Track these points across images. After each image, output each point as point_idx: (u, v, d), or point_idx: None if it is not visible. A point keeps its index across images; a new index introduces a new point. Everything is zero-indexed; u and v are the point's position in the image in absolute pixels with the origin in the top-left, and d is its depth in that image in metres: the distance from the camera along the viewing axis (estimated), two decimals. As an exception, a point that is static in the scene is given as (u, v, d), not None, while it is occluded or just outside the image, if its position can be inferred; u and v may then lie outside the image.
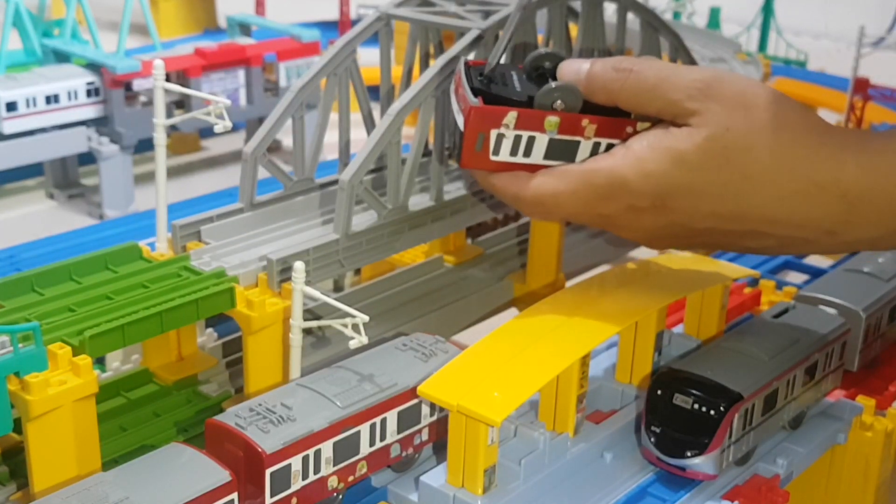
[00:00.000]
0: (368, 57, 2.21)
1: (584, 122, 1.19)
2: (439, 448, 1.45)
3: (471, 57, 1.92)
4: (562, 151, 1.20)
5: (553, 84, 1.18)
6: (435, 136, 1.86)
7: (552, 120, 1.18)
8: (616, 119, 1.20)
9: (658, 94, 1.17)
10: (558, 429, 1.42)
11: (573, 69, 1.21)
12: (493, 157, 1.19)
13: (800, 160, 1.16)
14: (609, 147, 1.21)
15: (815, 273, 2.28)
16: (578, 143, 1.20)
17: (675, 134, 1.17)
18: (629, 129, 1.21)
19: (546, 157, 1.20)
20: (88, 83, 3.07)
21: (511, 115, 1.17)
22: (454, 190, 1.95)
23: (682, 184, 1.17)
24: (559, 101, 1.18)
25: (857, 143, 1.17)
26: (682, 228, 1.23)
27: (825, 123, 1.20)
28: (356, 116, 1.97)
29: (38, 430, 1.35)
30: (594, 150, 1.21)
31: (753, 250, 1.29)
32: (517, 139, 1.18)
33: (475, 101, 1.16)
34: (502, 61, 1.25)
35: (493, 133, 1.17)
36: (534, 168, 1.21)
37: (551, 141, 1.19)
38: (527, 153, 1.20)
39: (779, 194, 1.17)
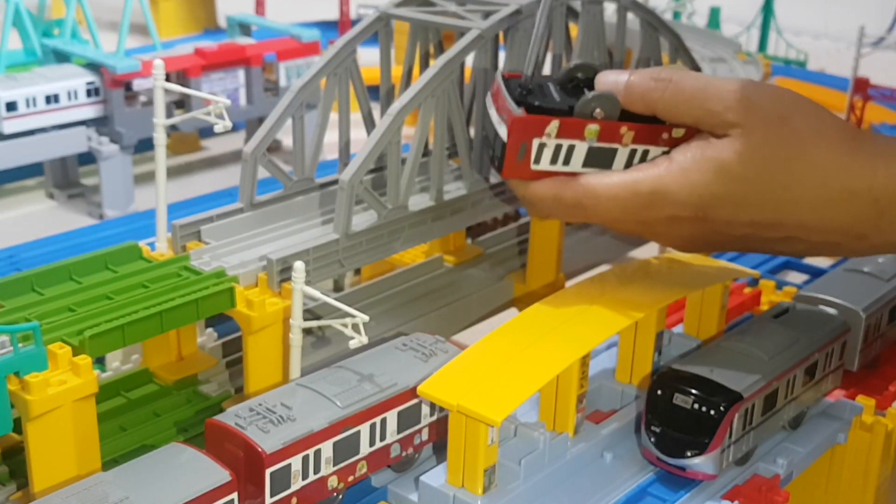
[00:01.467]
0: (368, 57, 2.21)
1: (623, 129, 1.22)
2: (439, 448, 1.45)
3: (470, 58, 1.93)
4: (600, 158, 1.24)
5: (592, 93, 1.21)
6: (435, 136, 1.86)
7: (592, 128, 1.21)
8: (653, 126, 1.23)
9: (696, 104, 1.20)
10: (558, 429, 1.42)
11: (611, 80, 1.23)
12: (533, 167, 1.23)
13: (835, 169, 1.19)
14: (645, 154, 1.24)
15: (815, 273, 2.28)
16: (616, 150, 1.23)
17: (717, 145, 1.20)
18: (665, 136, 1.24)
19: (585, 164, 1.24)
20: (88, 83, 3.06)
21: (553, 125, 1.20)
22: (454, 190, 1.95)
23: (724, 194, 1.20)
24: (598, 110, 1.21)
25: (889, 150, 1.22)
26: (719, 235, 1.27)
27: (857, 131, 1.24)
28: (356, 116, 1.97)
29: (38, 430, 1.35)
30: (631, 157, 1.24)
31: (784, 253, 1.33)
32: (558, 148, 1.22)
33: (519, 112, 1.19)
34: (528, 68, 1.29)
35: (536, 142, 1.21)
36: (572, 176, 1.25)
37: (591, 149, 1.22)
38: (566, 161, 1.23)
39: (814, 202, 1.20)
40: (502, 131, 1.21)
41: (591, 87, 1.24)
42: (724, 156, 1.19)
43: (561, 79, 1.26)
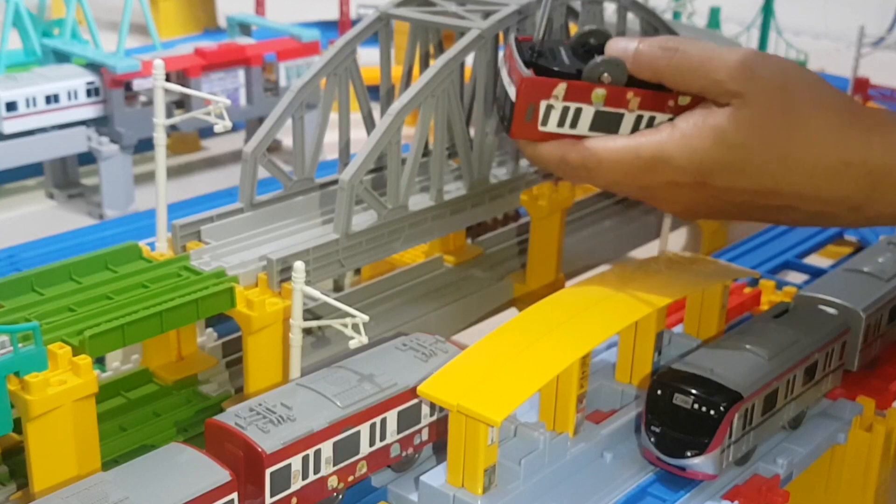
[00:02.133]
0: (368, 57, 2.21)
1: (629, 94, 1.26)
2: (439, 448, 1.45)
3: (470, 58, 1.93)
4: (607, 123, 1.27)
5: (600, 58, 1.25)
6: (435, 136, 1.86)
7: (599, 92, 1.25)
8: (658, 93, 1.27)
9: (702, 73, 1.23)
10: (558, 429, 1.42)
11: (620, 47, 1.27)
12: (541, 128, 1.27)
13: (832, 140, 1.23)
14: (651, 120, 1.28)
15: (815, 273, 2.28)
16: (622, 115, 1.27)
17: (719, 114, 1.23)
18: (671, 103, 1.27)
19: (591, 128, 1.27)
20: (88, 83, 3.06)
21: (561, 87, 1.24)
22: (454, 190, 1.95)
23: (723, 161, 1.23)
24: (606, 75, 1.25)
25: (885, 123, 1.26)
26: (718, 202, 1.31)
27: (856, 104, 1.28)
28: (356, 116, 1.97)
29: (38, 430, 1.35)
30: (637, 123, 1.28)
31: (783, 222, 1.38)
32: (565, 110, 1.26)
33: (528, 73, 1.23)
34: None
35: (543, 104, 1.25)
36: (579, 139, 1.28)
37: (597, 113, 1.26)
38: (573, 124, 1.27)
39: (811, 172, 1.24)
40: (511, 92, 1.25)
41: (602, 53, 1.27)
42: (725, 124, 1.22)
43: (573, 43, 1.30)
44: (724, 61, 1.23)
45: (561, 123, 1.27)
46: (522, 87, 1.23)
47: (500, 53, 1.31)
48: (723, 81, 1.23)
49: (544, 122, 1.26)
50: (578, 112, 1.26)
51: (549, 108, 1.25)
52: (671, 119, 1.27)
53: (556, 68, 1.25)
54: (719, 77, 1.23)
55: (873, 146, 1.24)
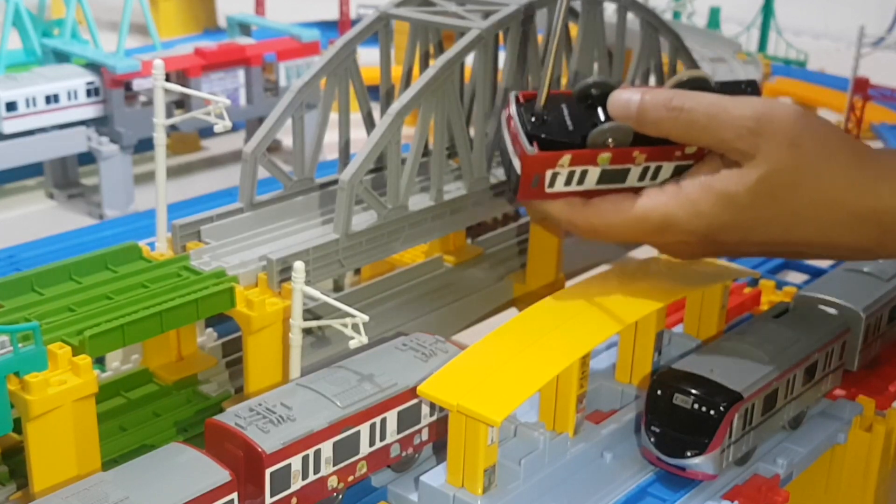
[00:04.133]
0: (368, 57, 2.21)
1: (635, 153, 1.25)
2: (439, 448, 1.45)
3: (470, 58, 1.92)
4: (613, 178, 1.27)
5: (605, 126, 1.23)
6: (435, 136, 1.86)
7: (605, 156, 1.24)
8: (665, 147, 1.26)
9: (709, 132, 1.22)
10: (558, 429, 1.42)
11: (622, 101, 1.24)
12: (547, 190, 1.26)
13: (843, 194, 1.23)
14: (658, 169, 1.27)
15: (815, 273, 2.28)
16: (629, 169, 1.27)
17: (727, 176, 1.23)
18: (677, 153, 1.27)
19: (598, 182, 1.27)
20: (88, 83, 3.06)
21: (566, 158, 1.23)
22: (454, 190, 1.95)
23: (732, 222, 1.24)
24: (610, 140, 1.24)
25: (893, 170, 1.26)
26: (727, 252, 1.33)
27: (864, 151, 1.28)
28: (356, 116, 1.97)
29: (37, 430, 1.35)
30: (643, 173, 1.28)
31: (788, 258, 1.39)
32: (571, 173, 1.25)
33: (531, 150, 1.21)
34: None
35: (549, 172, 1.24)
36: (587, 194, 1.28)
37: (603, 171, 1.26)
38: (580, 182, 1.26)
39: (821, 225, 1.24)
40: (516, 163, 1.24)
41: (605, 105, 1.26)
42: (733, 187, 1.22)
43: (576, 96, 1.28)
44: (731, 119, 1.21)
45: (568, 184, 1.27)
46: (527, 163, 1.23)
47: (503, 114, 1.29)
48: (730, 140, 1.21)
49: (551, 185, 1.26)
50: (585, 173, 1.26)
51: (555, 174, 1.25)
52: (679, 167, 1.27)
53: (559, 139, 1.24)
54: (727, 136, 1.21)
55: (883, 195, 1.23)
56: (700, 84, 1.28)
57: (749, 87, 1.32)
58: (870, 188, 1.23)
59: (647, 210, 1.26)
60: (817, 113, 1.30)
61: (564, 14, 1.25)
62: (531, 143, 1.22)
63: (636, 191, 1.28)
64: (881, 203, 1.23)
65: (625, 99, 1.25)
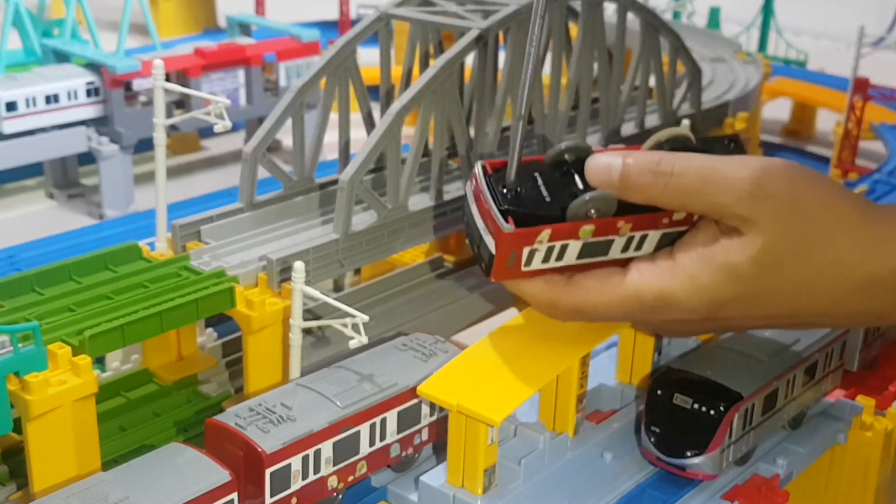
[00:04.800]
0: (368, 57, 2.21)
1: (620, 223, 1.13)
2: (439, 448, 1.45)
3: (470, 58, 1.92)
4: (595, 250, 1.15)
5: (587, 196, 1.11)
6: (435, 136, 1.87)
7: (587, 228, 1.12)
8: (651, 214, 1.14)
9: (703, 197, 1.10)
10: (558, 429, 1.42)
11: (602, 167, 1.11)
12: (524, 269, 1.14)
13: (855, 258, 1.11)
14: (643, 238, 1.15)
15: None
16: (612, 241, 1.14)
17: (727, 246, 1.11)
18: (665, 220, 1.15)
19: (579, 257, 1.15)
20: (88, 83, 3.06)
21: (545, 234, 1.11)
22: (454, 190, 1.95)
23: (736, 295, 1.12)
24: (593, 211, 1.11)
25: None
26: (730, 329, 1.24)
27: (870, 208, 1.15)
28: (356, 116, 1.97)
29: (37, 430, 1.35)
30: (627, 243, 1.16)
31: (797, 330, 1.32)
32: (550, 249, 1.13)
33: (508, 227, 1.09)
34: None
35: (526, 250, 1.11)
36: (567, 269, 1.16)
37: (585, 244, 1.14)
38: (560, 258, 1.14)
39: (833, 292, 1.13)
40: (489, 241, 1.11)
41: (581, 170, 1.14)
42: (736, 258, 1.10)
43: (549, 163, 1.15)
44: (728, 182, 1.09)
45: (546, 260, 1.13)
46: (502, 241, 1.09)
47: (467, 186, 1.15)
48: (728, 204, 1.09)
49: (527, 263, 1.13)
50: (565, 247, 1.13)
51: (533, 251, 1.12)
52: (666, 234, 1.15)
53: (537, 212, 1.10)
54: (724, 200, 1.09)
55: None
56: (681, 143, 1.16)
57: (732, 143, 1.22)
58: (885, 249, 1.11)
59: (640, 287, 1.13)
60: (813, 169, 1.19)
61: (534, 64, 1.10)
62: (506, 219, 1.09)
63: (622, 263, 1.16)
64: None
65: (605, 164, 1.11)
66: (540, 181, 1.13)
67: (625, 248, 1.15)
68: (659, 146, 1.16)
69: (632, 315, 1.16)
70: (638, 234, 1.14)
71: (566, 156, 1.15)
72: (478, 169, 1.12)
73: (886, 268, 1.11)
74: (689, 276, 1.12)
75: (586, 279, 1.15)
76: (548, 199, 1.12)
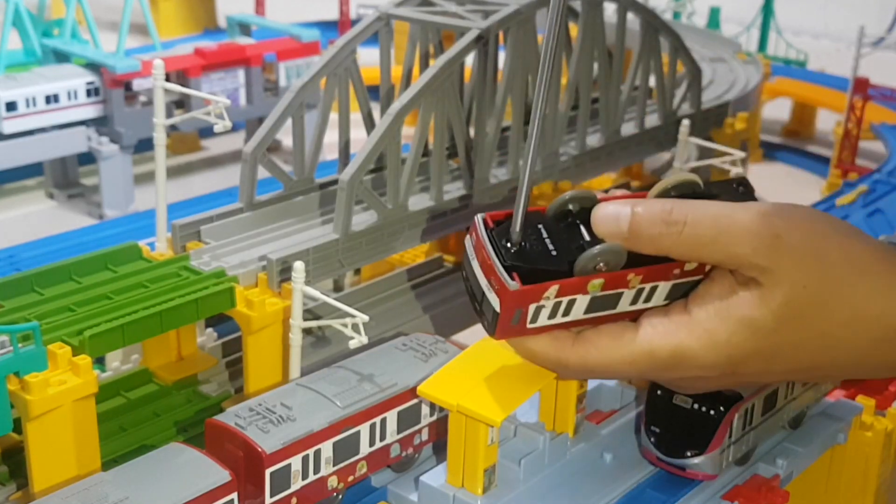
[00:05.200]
0: (368, 57, 2.21)
1: (630, 276, 1.08)
2: (439, 448, 1.45)
3: (470, 58, 1.92)
4: (604, 304, 1.10)
5: (595, 249, 1.05)
6: (435, 136, 1.87)
7: (596, 283, 1.07)
8: (662, 265, 1.09)
9: (718, 247, 1.04)
10: (558, 429, 1.42)
11: (611, 217, 1.06)
12: (530, 325, 1.08)
13: (878, 308, 1.06)
14: (653, 290, 1.11)
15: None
16: (622, 294, 1.09)
17: (746, 299, 1.05)
18: (676, 271, 1.10)
19: (587, 312, 1.10)
20: (88, 83, 3.06)
21: (552, 290, 1.05)
22: (454, 190, 1.95)
23: (756, 350, 1.07)
24: (602, 264, 1.06)
25: None
26: (748, 384, 1.19)
27: (891, 253, 1.10)
28: (356, 116, 1.97)
29: (37, 430, 1.35)
30: (637, 295, 1.11)
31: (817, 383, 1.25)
32: (557, 305, 1.07)
33: (513, 285, 1.03)
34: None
35: (532, 307, 1.06)
36: (573, 324, 1.11)
37: (593, 299, 1.08)
38: (566, 314, 1.09)
39: (857, 344, 1.08)
40: (492, 298, 1.06)
41: (587, 221, 1.09)
42: (756, 312, 1.04)
43: (552, 215, 1.10)
44: (744, 231, 1.03)
45: (552, 316, 1.08)
46: (507, 299, 1.04)
47: (467, 240, 1.09)
48: (745, 255, 1.03)
49: (533, 321, 1.08)
50: (572, 303, 1.08)
51: (539, 308, 1.06)
52: (677, 286, 1.11)
53: (542, 267, 1.05)
54: (741, 252, 1.03)
55: None
56: (689, 189, 1.11)
57: (742, 186, 1.16)
58: None
59: (654, 344, 1.08)
60: (832, 215, 1.12)
61: (537, 131, 1.06)
62: (511, 276, 1.04)
63: (632, 316, 1.11)
64: None
65: (613, 214, 1.06)
66: (545, 234, 1.08)
67: (634, 301, 1.11)
68: (666, 193, 1.11)
69: (645, 372, 1.11)
70: (648, 286, 1.10)
71: (570, 206, 1.10)
72: (478, 222, 1.07)
73: None
74: (706, 331, 1.07)
75: (596, 336, 1.10)
76: (554, 252, 1.07)
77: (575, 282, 1.06)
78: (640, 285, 1.09)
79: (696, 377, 1.11)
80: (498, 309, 1.05)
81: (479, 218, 1.07)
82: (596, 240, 1.08)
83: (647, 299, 1.11)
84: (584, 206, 1.09)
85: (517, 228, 1.06)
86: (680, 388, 1.28)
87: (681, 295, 1.12)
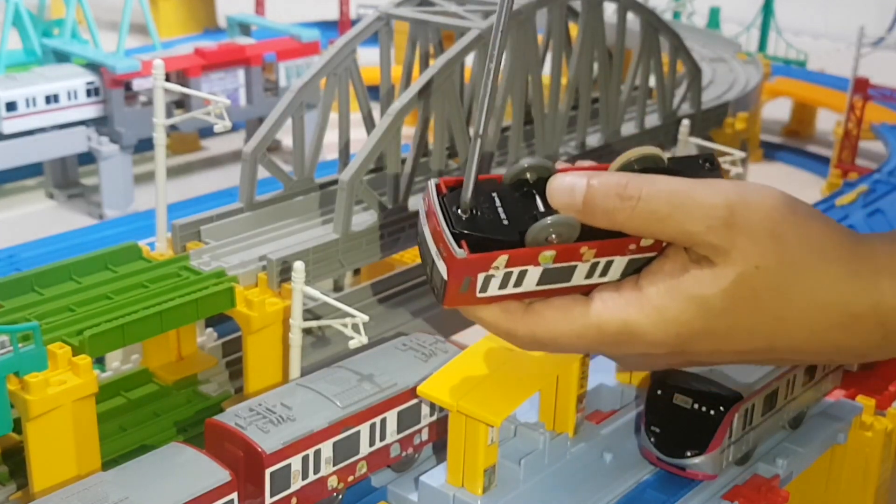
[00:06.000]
0: (368, 57, 2.21)
1: (583, 249, 1.05)
2: (439, 448, 1.45)
3: (470, 58, 1.92)
4: (557, 277, 1.07)
5: (547, 220, 1.03)
6: (435, 136, 1.87)
7: (548, 254, 1.04)
8: (618, 240, 1.06)
9: (672, 224, 1.02)
10: (558, 429, 1.42)
11: (565, 188, 1.04)
12: (479, 295, 1.05)
13: (836, 292, 1.04)
14: (608, 265, 1.08)
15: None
16: (575, 266, 1.07)
17: (697, 276, 1.03)
18: (632, 246, 1.07)
19: (539, 284, 1.07)
20: (88, 83, 3.06)
21: (501, 259, 1.02)
22: (454, 190, 1.95)
23: (706, 330, 1.05)
24: (554, 236, 1.03)
25: (892, 262, 1.07)
26: (699, 364, 1.16)
27: (854, 240, 1.08)
28: (356, 116, 1.97)
29: (37, 430, 1.35)
30: (591, 270, 1.08)
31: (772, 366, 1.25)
32: (507, 275, 1.04)
33: (461, 253, 1.00)
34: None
35: (481, 276, 1.03)
36: (525, 295, 1.08)
37: (545, 270, 1.05)
38: (518, 284, 1.06)
39: (812, 329, 1.06)
40: (441, 266, 1.03)
41: (543, 192, 1.06)
42: (707, 291, 1.03)
43: (508, 182, 1.07)
44: (700, 208, 1.01)
45: (503, 287, 1.05)
46: (454, 266, 1.01)
47: (420, 204, 1.06)
48: (699, 233, 1.01)
49: (483, 290, 1.04)
50: (524, 273, 1.05)
51: (489, 277, 1.03)
52: (634, 261, 1.08)
53: (492, 237, 1.02)
54: (695, 229, 1.01)
55: (884, 291, 1.04)
56: (652, 163, 1.09)
57: (707, 162, 1.13)
58: (868, 284, 1.05)
59: (602, 319, 1.06)
60: (794, 197, 1.10)
61: (494, 78, 1.00)
62: (459, 244, 1.01)
63: (584, 291, 1.09)
64: (882, 300, 1.05)
65: (568, 185, 1.03)
66: (498, 202, 1.06)
67: (589, 275, 1.08)
68: (629, 166, 1.08)
69: (593, 347, 1.09)
70: (603, 261, 1.08)
71: (528, 175, 1.07)
72: (431, 187, 1.03)
73: (867, 304, 1.05)
74: (656, 307, 1.05)
75: (546, 308, 1.08)
76: (506, 222, 1.04)
77: (525, 252, 1.03)
78: (595, 259, 1.07)
79: (645, 354, 1.10)
80: (445, 277, 1.03)
81: (431, 183, 1.04)
82: (551, 211, 1.05)
83: (603, 273, 1.09)
84: (542, 176, 1.06)
85: (468, 196, 1.03)
86: (630, 367, 1.27)
87: (637, 270, 1.09)
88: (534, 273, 1.05)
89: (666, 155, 1.12)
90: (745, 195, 1.03)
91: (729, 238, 1.01)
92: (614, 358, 1.19)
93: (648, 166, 1.09)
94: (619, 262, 1.08)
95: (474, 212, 1.04)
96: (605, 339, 1.07)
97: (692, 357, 1.11)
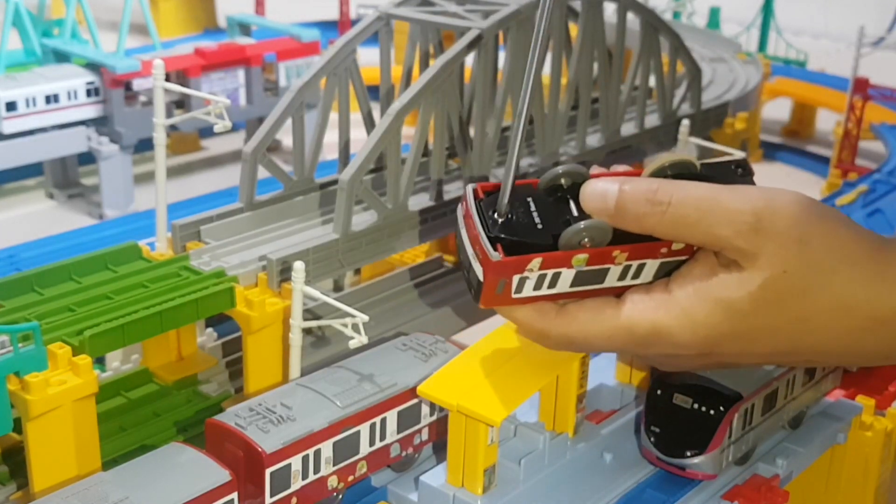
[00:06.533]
0: (368, 57, 2.21)
1: (615, 252, 1.09)
2: (439, 448, 1.45)
3: (470, 58, 1.92)
4: (590, 279, 1.11)
5: (580, 224, 1.07)
6: (435, 136, 1.87)
7: (580, 257, 1.08)
8: (649, 244, 1.10)
9: (701, 229, 1.06)
10: (558, 429, 1.42)
11: (598, 194, 1.08)
12: (515, 296, 1.10)
13: (861, 297, 1.07)
14: (640, 267, 1.12)
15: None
16: (608, 269, 1.11)
17: (725, 280, 1.07)
18: (663, 250, 1.11)
19: (573, 285, 1.11)
20: (88, 83, 3.06)
21: (535, 262, 1.07)
22: (454, 190, 1.95)
23: (733, 332, 1.08)
24: (587, 240, 1.07)
25: None
26: (726, 366, 1.19)
27: (878, 244, 1.11)
28: (356, 116, 1.98)
29: (37, 430, 1.35)
30: (624, 272, 1.12)
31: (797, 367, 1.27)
32: (541, 277, 1.09)
33: (496, 256, 1.05)
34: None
35: (516, 278, 1.08)
36: (559, 297, 1.12)
37: (578, 273, 1.10)
38: (551, 286, 1.10)
39: (836, 332, 1.09)
40: (477, 268, 1.08)
41: (577, 196, 1.10)
42: (734, 294, 1.06)
43: (543, 188, 1.11)
44: (728, 214, 1.05)
45: (538, 288, 1.10)
46: (490, 269, 1.06)
47: (459, 209, 1.11)
48: (727, 237, 1.05)
49: (518, 291, 1.09)
50: (557, 275, 1.09)
51: (524, 279, 1.08)
52: (665, 264, 1.11)
53: (527, 240, 1.07)
54: (723, 234, 1.05)
55: None
56: (685, 169, 1.12)
57: (740, 168, 1.16)
58: (889, 288, 1.07)
59: (633, 320, 1.10)
60: (820, 202, 1.11)
61: (528, 102, 1.05)
62: (494, 247, 1.06)
63: (619, 292, 1.13)
64: None
65: (600, 191, 1.07)
66: (533, 207, 1.10)
67: (621, 277, 1.12)
68: (662, 171, 1.11)
69: (624, 347, 1.13)
70: (635, 264, 1.11)
71: (562, 180, 1.11)
72: (468, 191, 1.09)
73: (891, 307, 1.07)
74: (684, 310, 1.08)
75: (579, 309, 1.12)
76: (540, 226, 1.08)
77: (558, 255, 1.07)
78: (627, 262, 1.10)
79: (674, 355, 1.13)
80: (482, 278, 1.07)
81: (469, 188, 1.09)
82: (584, 215, 1.08)
83: (636, 276, 1.12)
84: (576, 182, 1.10)
85: (504, 200, 1.07)
86: (659, 366, 1.29)
87: (669, 273, 1.12)
88: (567, 275, 1.09)
89: (699, 161, 1.14)
90: (772, 201, 1.05)
91: (756, 243, 1.04)
92: (645, 358, 1.21)
93: (682, 172, 1.12)
94: (651, 265, 1.11)
95: (510, 216, 1.08)
96: (635, 340, 1.10)
97: (720, 358, 1.13)
